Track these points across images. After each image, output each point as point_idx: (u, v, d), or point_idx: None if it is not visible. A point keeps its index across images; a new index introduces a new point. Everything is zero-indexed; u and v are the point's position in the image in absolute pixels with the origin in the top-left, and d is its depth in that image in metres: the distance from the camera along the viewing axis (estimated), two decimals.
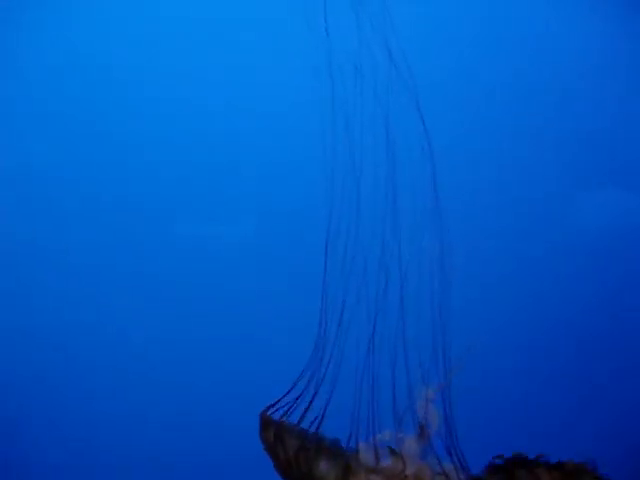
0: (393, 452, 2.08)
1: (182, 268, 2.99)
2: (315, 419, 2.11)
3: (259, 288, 2.96)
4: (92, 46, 3.04)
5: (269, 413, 2.14)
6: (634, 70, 3.05)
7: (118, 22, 3.03)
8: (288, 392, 2.20)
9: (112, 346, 2.98)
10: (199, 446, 3.01)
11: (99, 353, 2.98)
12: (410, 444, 2.10)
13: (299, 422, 2.13)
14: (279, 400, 2.17)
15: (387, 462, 2.09)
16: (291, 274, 2.92)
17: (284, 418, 2.13)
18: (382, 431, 2.14)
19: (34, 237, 3.00)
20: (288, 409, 2.13)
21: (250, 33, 3.01)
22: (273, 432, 2.09)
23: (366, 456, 2.09)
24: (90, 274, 3.01)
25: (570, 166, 3.03)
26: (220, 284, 2.99)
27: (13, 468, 3.00)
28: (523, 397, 2.94)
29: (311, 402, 2.14)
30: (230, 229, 3.02)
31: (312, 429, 2.11)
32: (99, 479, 3.00)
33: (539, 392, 2.98)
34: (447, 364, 2.25)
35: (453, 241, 2.57)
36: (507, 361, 2.94)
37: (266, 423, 2.13)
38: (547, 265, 3.01)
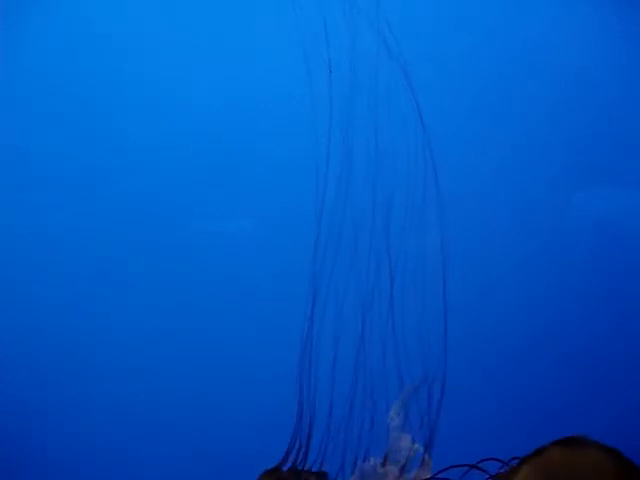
0: None
1: (197, 260, 3.02)
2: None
3: (256, 278, 2.98)
4: (100, 45, 3.05)
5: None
6: (631, 67, 3.05)
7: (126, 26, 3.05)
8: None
9: (125, 340, 3.00)
10: (205, 446, 3.01)
11: (111, 347, 3.00)
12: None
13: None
14: None
15: None
16: (283, 266, 2.94)
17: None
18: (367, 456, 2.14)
19: (45, 235, 3.02)
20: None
21: (248, 39, 3.03)
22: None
23: None
24: (105, 271, 3.02)
25: (565, 163, 3.04)
26: (226, 274, 3.01)
27: (14, 468, 3.01)
28: (519, 398, 2.94)
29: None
30: (232, 225, 3.04)
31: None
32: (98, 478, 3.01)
33: (535, 392, 2.98)
34: (441, 361, 2.25)
35: (449, 237, 2.57)
36: (501, 358, 2.93)
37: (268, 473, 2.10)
38: (543, 263, 3.01)
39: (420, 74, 2.86)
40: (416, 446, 2.11)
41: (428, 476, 2.02)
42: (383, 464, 2.09)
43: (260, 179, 3.01)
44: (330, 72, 2.59)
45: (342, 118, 2.59)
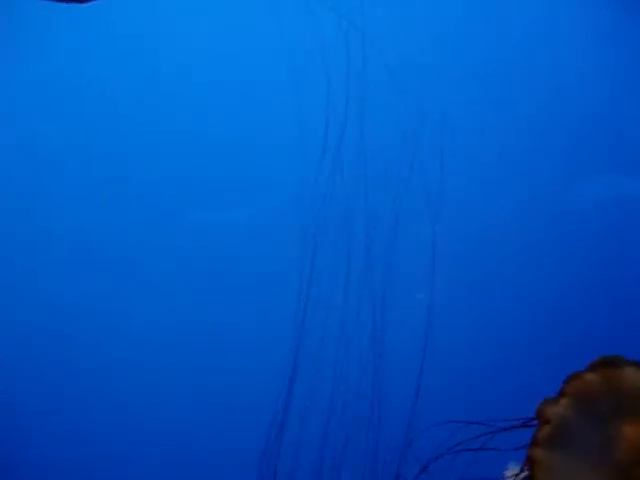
0: None
1: (194, 250, 3.01)
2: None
3: (251, 269, 2.97)
4: (102, 41, 3.05)
5: None
6: (632, 57, 3.04)
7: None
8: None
9: (120, 329, 2.99)
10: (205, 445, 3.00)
11: (110, 341, 2.99)
12: None
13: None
14: None
15: None
16: (278, 257, 2.93)
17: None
18: None
19: (43, 227, 3.01)
20: None
21: (247, 38, 3.02)
22: None
23: None
24: (108, 263, 3.02)
25: (567, 153, 3.03)
26: (225, 264, 3.00)
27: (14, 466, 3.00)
28: (517, 394, 2.92)
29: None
30: (230, 215, 3.03)
31: None
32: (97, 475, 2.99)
33: (536, 387, 2.95)
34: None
35: (448, 229, 2.57)
36: (501, 352, 2.91)
37: None
38: (543, 251, 2.99)
39: (422, 60, 2.85)
40: None
41: None
42: None
43: (257, 171, 3.00)
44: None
45: (337, 110, 2.58)
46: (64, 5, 2.86)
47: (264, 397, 2.68)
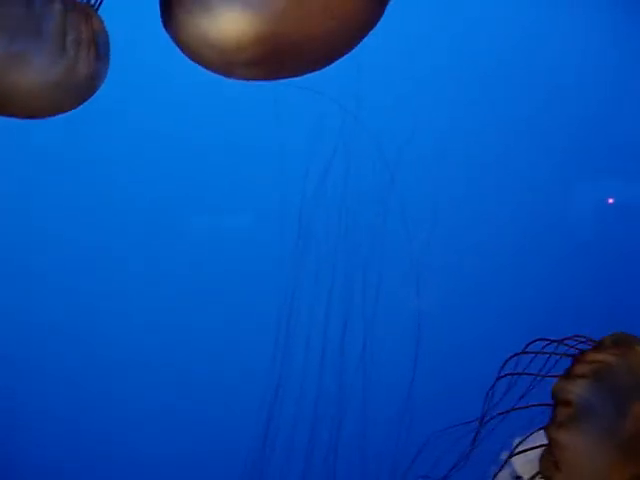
0: None
1: (198, 254, 3.02)
2: None
3: (252, 273, 2.97)
4: None
5: None
6: (632, 58, 3.01)
7: None
8: None
9: (121, 333, 2.99)
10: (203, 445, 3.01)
11: (109, 342, 2.99)
12: None
13: None
14: None
15: None
16: (265, 265, 2.92)
17: None
18: None
19: (45, 228, 3.01)
20: None
21: None
22: None
23: None
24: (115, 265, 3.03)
25: (567, 154, 3.01)
26: (225, 268, 3.00)
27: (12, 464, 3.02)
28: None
29: None
30: (230, 220, 3.04)
31: None
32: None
33: None
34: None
35: (445, 230, 2.56)
36: (500, 357, 2.90)
37: None
38: (545, 256, 2.98)
39: (421, 60, 2.84)
40: None
41: None
42: None
43: (258, 175, 2.99)
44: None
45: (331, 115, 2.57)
46: None
47: (250, 407, 2.69)
